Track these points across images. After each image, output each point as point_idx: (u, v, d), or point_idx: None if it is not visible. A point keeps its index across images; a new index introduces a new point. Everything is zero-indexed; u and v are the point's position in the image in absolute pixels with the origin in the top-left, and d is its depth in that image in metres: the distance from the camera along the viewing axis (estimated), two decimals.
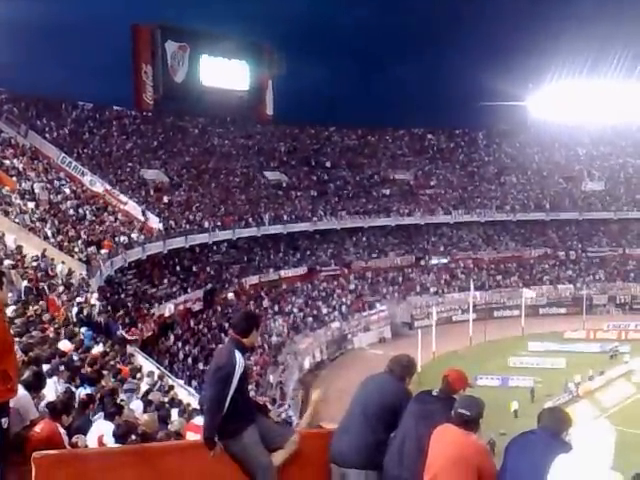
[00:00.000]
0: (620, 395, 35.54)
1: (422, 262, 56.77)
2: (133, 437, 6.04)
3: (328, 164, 61.37)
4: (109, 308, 23.84)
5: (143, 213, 38.31)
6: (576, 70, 62.21)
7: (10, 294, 14.99)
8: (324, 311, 47.89)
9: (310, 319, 46.25)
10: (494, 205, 60.58)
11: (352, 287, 52.23)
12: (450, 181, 63.34)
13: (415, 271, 56.08)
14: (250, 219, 48.59)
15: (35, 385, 5.91)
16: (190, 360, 32.81)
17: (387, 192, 60.22)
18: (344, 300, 50.11)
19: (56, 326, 13.39)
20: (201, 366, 31.29)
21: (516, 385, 36.74)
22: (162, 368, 19.83)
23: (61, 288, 19.30)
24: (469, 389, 4.40)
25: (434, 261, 57.02)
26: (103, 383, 9.63)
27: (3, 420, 4.59)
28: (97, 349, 13.33)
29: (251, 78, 62.87)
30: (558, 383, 36.13)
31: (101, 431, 6.41)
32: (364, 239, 56.67)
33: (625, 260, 58.52)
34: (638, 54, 59.26)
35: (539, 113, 66.34)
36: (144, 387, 12.30)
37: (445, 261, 57.39)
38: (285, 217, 51.66)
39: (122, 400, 8.78)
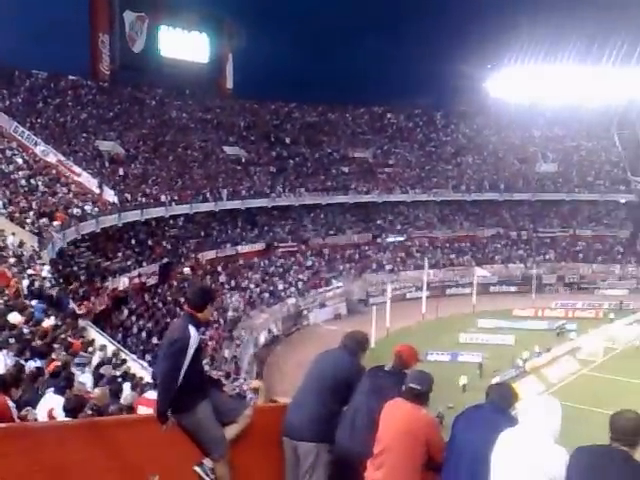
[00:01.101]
0: (565, 371, 36.46)
1: (378, 240, 57.24)
2: (84, 411, 5.98)
3: (288, 140, 61.03)
4: (61, 281, 23.41)
5: (100, 186, 37.53)
6: (533, 53, 63.00)
7: None
8: (280, 287, 47.94)
9: (266, 295, 46.26)
10: (450, 185, 61.28)
11: (309, 264, 52.36)
12: (408, 160, 63.76)
13: (371, 249, 56.51)
14: (208, 194, 48.10)
15: None
16: (144, 334, 32.53)
17: (346, 170, 60.31)
18: (301, 276, 50.22)
19: (6, 298, 13.14)
20: (155, 340, 31.02)
21: (465, 360, 37.34)
22: (115, 342, 19.60)
23: (12, 260, 18.89)
24: (419, 364, 4.49)
25: (390, 239, 57.54)
26: (54, 356, 9.51)
27: None
28: (48, 322, 13.11)
29: (211, 51, 61.91)
30: (506, 359, 36.87)
31: (51, 405, 6.34)
32: (322, 216, 56.76)
33: (575, 241, 59.99)
34: (593, 38, 60.29)
35: (497, 95, 66.96)
36: (96, 361, 12.18)
37: (401, 239, 57.96)
38: (243, 192, 51.28)
39: (73, 374, 8.68)
